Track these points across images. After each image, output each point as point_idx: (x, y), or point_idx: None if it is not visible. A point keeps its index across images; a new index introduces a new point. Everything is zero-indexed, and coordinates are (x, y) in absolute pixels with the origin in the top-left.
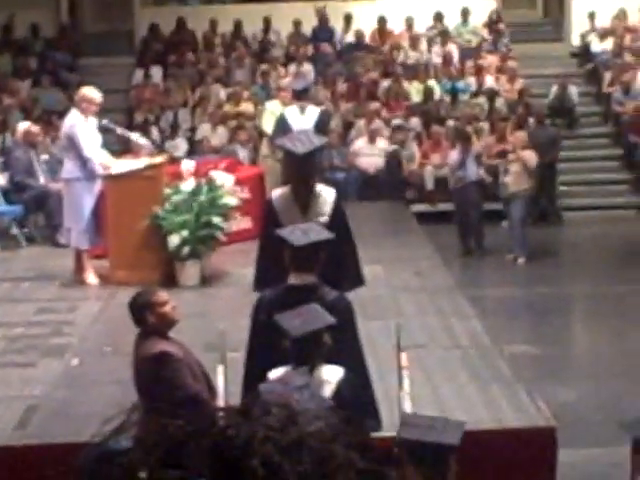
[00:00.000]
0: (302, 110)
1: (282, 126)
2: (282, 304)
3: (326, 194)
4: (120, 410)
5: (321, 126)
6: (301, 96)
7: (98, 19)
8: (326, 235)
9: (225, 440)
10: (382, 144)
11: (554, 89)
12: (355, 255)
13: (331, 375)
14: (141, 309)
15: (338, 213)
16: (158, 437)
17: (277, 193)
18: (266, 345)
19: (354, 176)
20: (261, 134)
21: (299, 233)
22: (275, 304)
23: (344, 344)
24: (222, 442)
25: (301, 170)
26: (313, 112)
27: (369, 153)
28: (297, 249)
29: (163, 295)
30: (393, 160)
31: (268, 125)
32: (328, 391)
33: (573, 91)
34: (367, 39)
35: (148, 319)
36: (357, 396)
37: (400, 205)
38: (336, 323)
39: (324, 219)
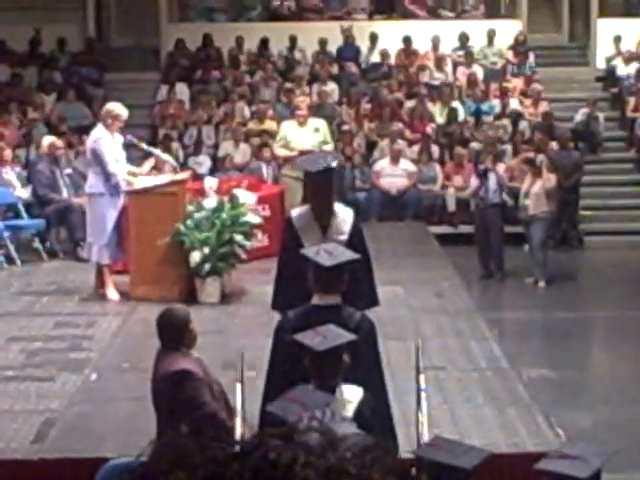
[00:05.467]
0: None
1: None
2: (306, 325)
3: (345, 214)
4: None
5: None
6: None
7: (124, 34)
8: (352, 255)
9: (267, 463)
10: (405, 165)
11: (581, 114)
12: (371, 275)
13: (352, 395)
14: (183, 325)
15: (356, 233)
16: (201, 458)
17: (297, 212)
18: (288, 366)
19: (376, 196)
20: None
21: (325, 254)
22: (299, 325)
23: (366, 364)
24: (264, 465)
25: (319, 189)
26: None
27: (391, 174)
28: (322, 270)
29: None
30: None
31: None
32: (350, 411)
33: (600, 117)
34: (392, 59)
35: (186, 335)
36: (376, 417)
37: (421, 226)
38: (360, 343)
39: (343, 238)
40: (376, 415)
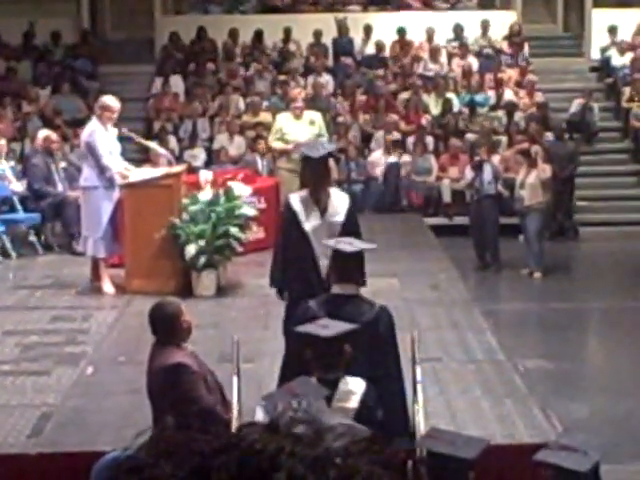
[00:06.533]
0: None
1: None
2: (326, 312)
3: (340, 197)
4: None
5: None
6: None
7: (119, 27)
8: (371, 245)
9: (253, 454)
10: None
11: (576, 104)
12: (363, 256)
13: (356, 386)
14: (174, 318)
15: (352, 215)
16: (187, 451)
17: (295, 195)
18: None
19: (374, 186)
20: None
21: (345, 244)
22: (319, 312)
23: (386, 355)
24: (250, 456)
25: (318, 173)
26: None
27: (386, 163)
28: (342, 260)
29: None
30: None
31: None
32: (355, 402)
33: (595, 108)
34: (387, 50)
35: (177, 328)
36: (391, 408)
37: (417, 218)
38: (380, 334)
39: (340, 219)
40: (391, 406)
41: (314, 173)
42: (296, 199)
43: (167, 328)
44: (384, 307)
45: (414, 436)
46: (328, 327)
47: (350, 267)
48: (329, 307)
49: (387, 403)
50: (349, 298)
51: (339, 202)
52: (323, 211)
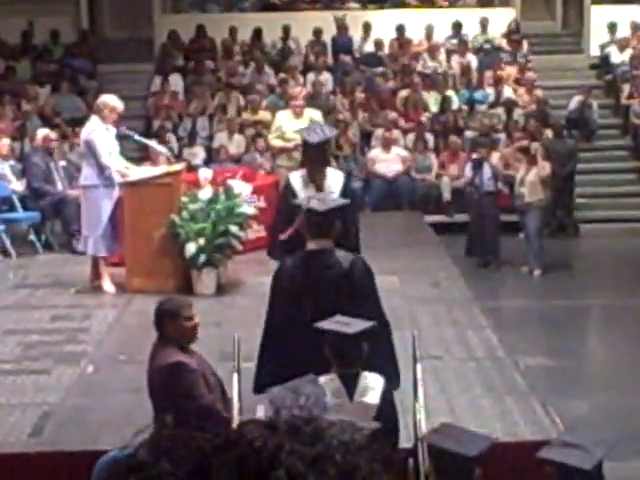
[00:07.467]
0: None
1: None
2: (302, 269)
3: (336, 175)
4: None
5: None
6: None
7: (118, 26)
8: (341, 201)
9: (252, 452)
10: (397, 150)
11: (575, 101)
12: (357, 227)
13: (374, 382)
14: (175, 315)
15: (347, 190)
16: (187, 449)
17: (295, 174)
18: (287, 308)
19: (375, 182)
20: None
21: (317, 201)
22: (296, 270)
23: (366, 299)
24: (249, 454)
25: (316, 156)
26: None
27: (386, 159)
28: (315, 215)
29: (191, 311)
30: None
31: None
32: (374, 398)
33: (594, 105)
34: (386, 48)
35: (167, 328)
36: (372, 352)
37: (417, 215)
38: (356, 280)
39: (334, 195)
40: (378, 350)
41: (311, 157)
42: (296, 177)
43: (168, 324)
44: (359, 255)
45: (399, 378)
46: (349, 324)
47: (324, 224)
48: (305, 262)
49: (374, 348)
50: (324, 251)
51: (334, 180)
52: (320, 189)
